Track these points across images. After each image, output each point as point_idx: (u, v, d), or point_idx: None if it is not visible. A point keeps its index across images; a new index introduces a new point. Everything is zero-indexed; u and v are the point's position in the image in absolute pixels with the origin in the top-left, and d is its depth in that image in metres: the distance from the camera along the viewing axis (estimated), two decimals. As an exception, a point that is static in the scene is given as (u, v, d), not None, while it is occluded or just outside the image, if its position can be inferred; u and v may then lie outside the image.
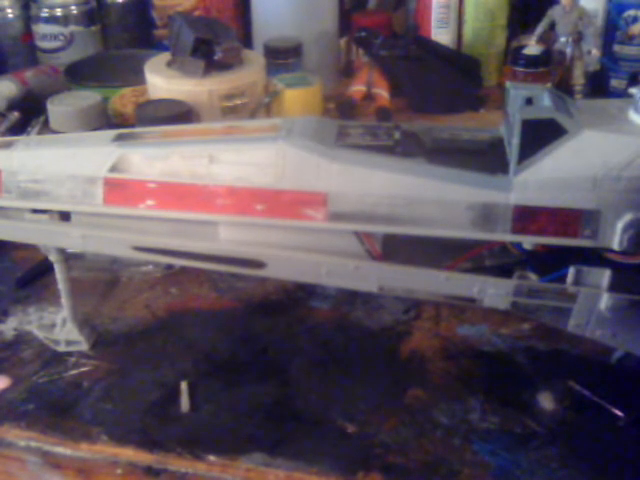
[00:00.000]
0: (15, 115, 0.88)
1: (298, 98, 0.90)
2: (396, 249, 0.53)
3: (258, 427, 0.55)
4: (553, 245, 0.50)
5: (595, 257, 0.50)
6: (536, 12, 1.03)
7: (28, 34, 1.13)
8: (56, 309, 0.65)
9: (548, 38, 1.01)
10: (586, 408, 0.55)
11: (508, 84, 0.53)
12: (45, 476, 0.56)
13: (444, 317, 0.66)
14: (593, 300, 0.50)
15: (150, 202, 0.53)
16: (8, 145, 0.57)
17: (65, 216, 0.57)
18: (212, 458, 0.53)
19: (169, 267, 0.72)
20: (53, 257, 0.60)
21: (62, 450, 0.54)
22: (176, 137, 0.55)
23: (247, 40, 1.07)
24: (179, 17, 0.77)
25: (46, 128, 0.82)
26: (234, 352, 0.62)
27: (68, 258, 0.61)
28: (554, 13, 0.98)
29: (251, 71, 0.76)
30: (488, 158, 0.51)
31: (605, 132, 0.47)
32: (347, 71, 1.14)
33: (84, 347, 0.63)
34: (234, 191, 0.52)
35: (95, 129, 0.74)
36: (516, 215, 0.48)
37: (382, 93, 1.03)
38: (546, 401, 0.56)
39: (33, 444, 0.55)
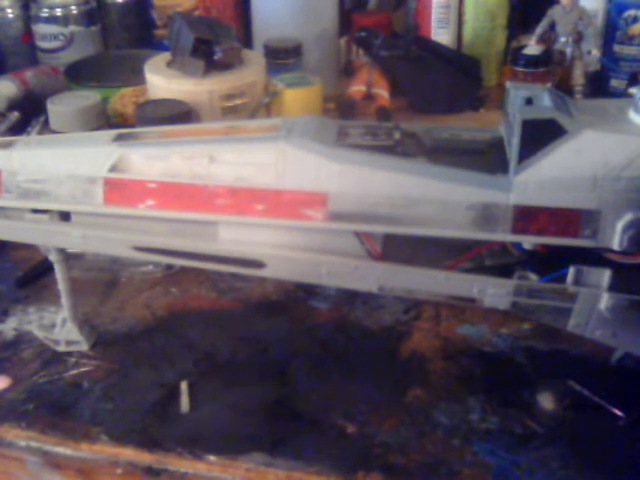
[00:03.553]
0: (15, 115, 0.88)
1: (298, 98, 0.90)
2: (396, 249, 0.53)
3: (258, 427, 0.55)
4: (553, 245, 0.50)
5: (595, 257, 0.50)
6: (536, 12, 1.03)
7: (28, 34, 1.13)
8: (56, 309, 0.65)
9: (548, 38, 1.01)
10: (586, 408, 0.55)
11: (508, 84, 0.53)
12: (45, 476, 0.56)
13: (444, 317, 0.66)
14: (593, 300, 0.50)
15: (150, 202, 0.53)
16: (8, 145, 0.57)
17: (65, 216, 0.57)
18: (212, 458, 0.53)
19: (169, 267, 0.72)
20: (53, 257, 0.60)
21: (62, 450, 0.54)
22: (176, 137, 0.55)
23: (247, 40, 1.07)
24: (179, 17, 0.77)
25: (46, 128, 0.82)
26: (234, 352, 0.62)
27: (68, 258, 0.61)
28: (554, 13, 0.98)
29: (251, 71, 0.76)
30: (488, 158, 0.51)
31: (605, 132, 0.47)
32: (347, 71, 1.13)
33: (84, 347, 0.63)
34: (234, 191, 0.52)
35: (95, 129, 0.74)
36: (516, 215, 0.48)
37: (382, 93, 1.03)
38: (546, 401, 0.56)
39: (33, 444, 0.55)
